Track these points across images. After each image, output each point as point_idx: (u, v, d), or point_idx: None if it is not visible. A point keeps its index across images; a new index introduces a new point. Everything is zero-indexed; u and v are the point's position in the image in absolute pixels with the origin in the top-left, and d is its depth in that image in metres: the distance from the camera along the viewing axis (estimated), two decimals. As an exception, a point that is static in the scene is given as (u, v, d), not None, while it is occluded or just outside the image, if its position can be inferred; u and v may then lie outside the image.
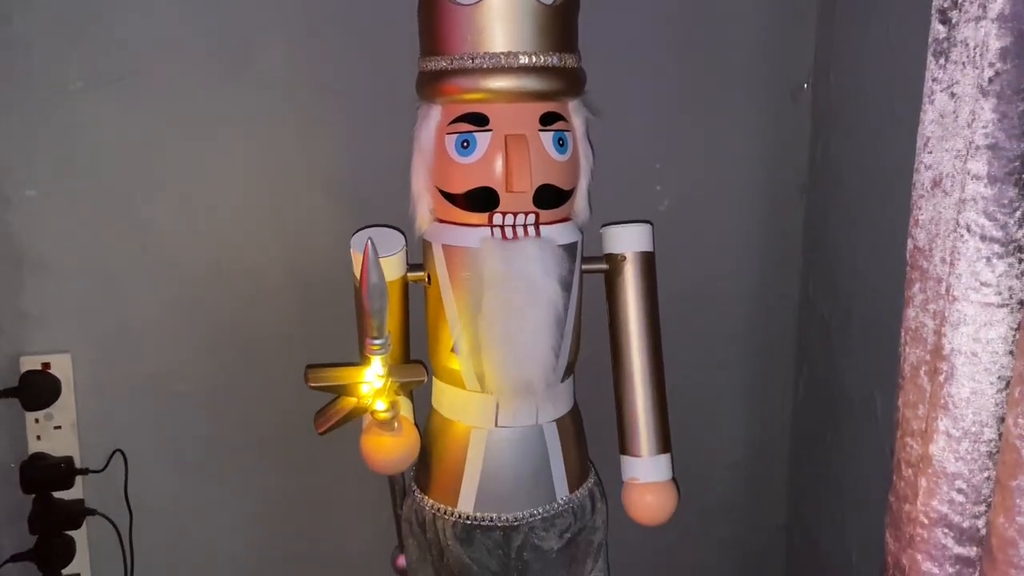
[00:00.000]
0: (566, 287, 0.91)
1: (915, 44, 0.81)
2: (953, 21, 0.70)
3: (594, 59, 0.99)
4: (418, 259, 1.00)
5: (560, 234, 0.94)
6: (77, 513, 1.14)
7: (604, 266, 1.03)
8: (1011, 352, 0.69)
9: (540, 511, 0.98)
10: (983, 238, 0.67)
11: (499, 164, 0.89)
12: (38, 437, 1.12)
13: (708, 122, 1.24)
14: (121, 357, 1.15)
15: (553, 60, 0.90)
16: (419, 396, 1.04)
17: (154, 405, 1.17)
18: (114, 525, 1.17)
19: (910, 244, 0.77)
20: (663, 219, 1.19)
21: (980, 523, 0.73)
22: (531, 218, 0.91)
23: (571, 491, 1.01)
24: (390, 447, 0.93)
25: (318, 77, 1.13)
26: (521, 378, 0.90)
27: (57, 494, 1.13)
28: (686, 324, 1.25)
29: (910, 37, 0.94)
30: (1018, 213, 0.66)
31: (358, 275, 0.78)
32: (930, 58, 0.72)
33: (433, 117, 0.93)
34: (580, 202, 0.98)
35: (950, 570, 0.75)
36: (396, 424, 0.89)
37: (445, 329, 0.95)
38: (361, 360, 0.84)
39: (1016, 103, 0.64)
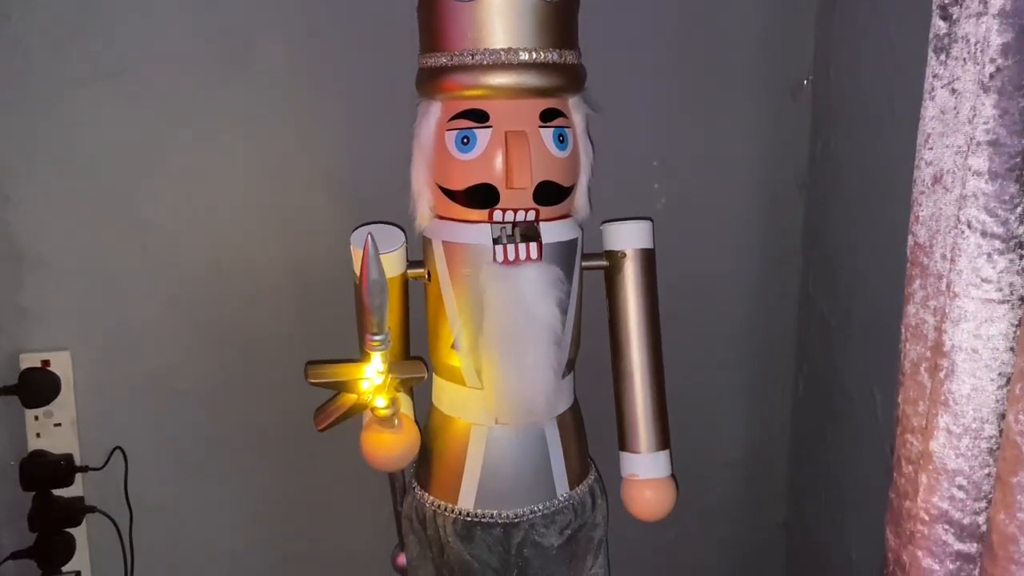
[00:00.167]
0: (563, 308, 0.92)
1: (915, 40, 0.81)
2: (954, 17, 0.70)
3: (594, 56, 0.98)
4: (418, 256, 1.00)
5: (560, 231, 0.94)
6: (77, 511, 1.14)
7: (604, 263, 1.03)
8: (1012, 348, 0.69)
9: (540, 508, 0.98)
10: (984, 234, 0.67)
11: (499, 160, 0.89)
12: (38, 434, 1.12)
13: (708, 119, 1.24)
14: (121, 355, 1.15)
15: (553, 56, 0.90)
16: (419, 393, 1.04)
17: (154, 403, 1.17)
18: (114, 523, 1.17)
19: (911, 240, 0.77)
20: (663, 216, 1.19)
21: (981, 519, 0.73)
22: (531, 215, 0.91)
23: (571, 488, 1.01)
24: (390, 444, 0.93)
25: (318, 75, 1.13)
26: (522, 400, 0.91)
27: (57, 492, 1.13)
28: (686, 321, 1.25)
29: (910, 33, 0.94)
30: (1019, 209, 0.66)
31: (358, 271, 0.78)
32: (931, 54, 0.72)
33: (433, 113, 0.93)
34: (580, 199, 0.98)
35: (951, 566, 0.75)
36: (396, 421, 0.89)
37: (445, 326, 0.95)
38: (361, 356, 0.84)
39: (1017, 99, 0.64)
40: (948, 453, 0.72)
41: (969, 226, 0.68)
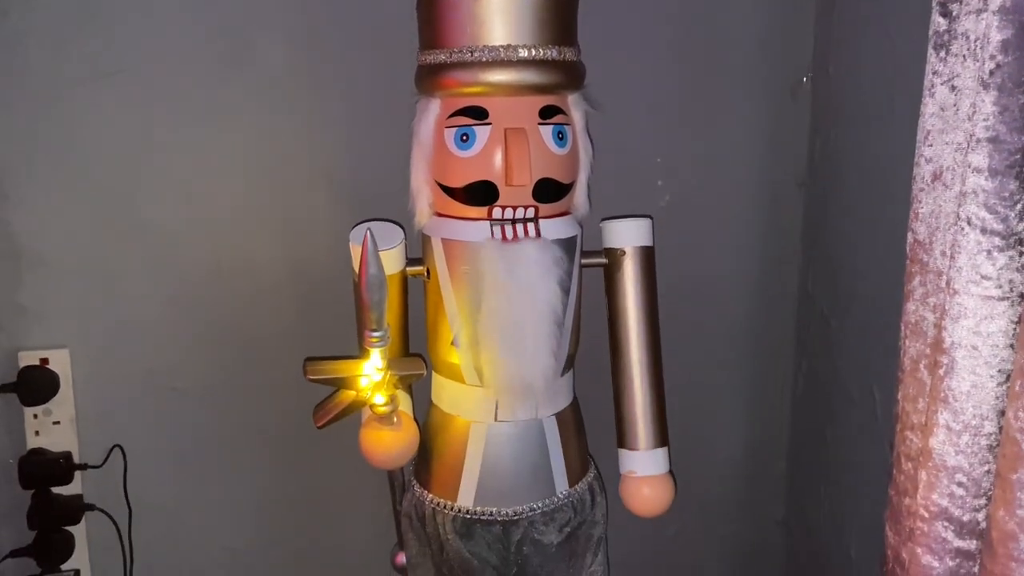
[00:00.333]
0: (565, 289, 0.92)
1: (915, 37, 0.81)
2: (954, 14, 0.69)
3: (594, 54, 0.98)
4: (418, 254, 1.00)
5: (559, 228, 0.94)
6: (76, 509, 1.14)
7: (603, 260, 1.03)
8: (1011, 345, 0.69)
9: (540, 505, 0.99)
10: (984, 231, 0.67)
11: (498, 158, 0.89)
12: (36, 433, 1.12)
13: (706, 117, 1.24)
14: (120, 353, 1.15)
15: (552, 53, 0.90)
16: (418, 391, 1.04)
17: (153, 401, 1.17)
18: (113, 521, 1.17)
19: (910, 238, 0.77)
20: (662, 214, 1.19)
21: (980, 516, 0.73)
22: (531, 212, 0.91)
23: (571, 485, 1.01)
24: (389, 441, 0.93)
25: (317, 74, 1.13)
26: (522, 381, 0.91)
27: (56, 490, 1.13)
28: (685, 320, 1.25)
29: (910, 30, 0.93)
30: (1019, 206, 0.66)
31: (357, 268, 0.78)
32: (931, 51, 0.72)
33: (432, 111, 0.93)
34: (580, 196, 0.98)
35: (950, 564, 0.75)
36: (395, 418, 0.89)
37: (444, 323, 0.95)
38: (360, 353, 0.84)
39: (1017, 96, 0.64)
40: (948, 450, 0.72)
41: (969, 223, 0.68)
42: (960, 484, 0.72)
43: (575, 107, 0.95)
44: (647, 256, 1.03)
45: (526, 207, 0.91)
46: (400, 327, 1.00)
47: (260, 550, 1.24)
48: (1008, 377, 0.69)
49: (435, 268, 0.95)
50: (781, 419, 1.37)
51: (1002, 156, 0.65)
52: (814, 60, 1.23)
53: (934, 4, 0.71)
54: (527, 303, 0.89)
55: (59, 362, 1.12)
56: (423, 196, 0.96)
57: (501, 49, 0.88)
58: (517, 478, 0.98)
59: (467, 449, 0.97)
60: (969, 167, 0.67)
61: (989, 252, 0.67)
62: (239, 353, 1.18)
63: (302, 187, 1.15)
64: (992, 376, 0.69)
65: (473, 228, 0.92)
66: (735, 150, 1.26)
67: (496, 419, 0.96)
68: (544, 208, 0.92)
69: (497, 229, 0.90)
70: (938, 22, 0.71)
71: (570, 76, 0.93)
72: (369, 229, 0.75)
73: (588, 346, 1.03)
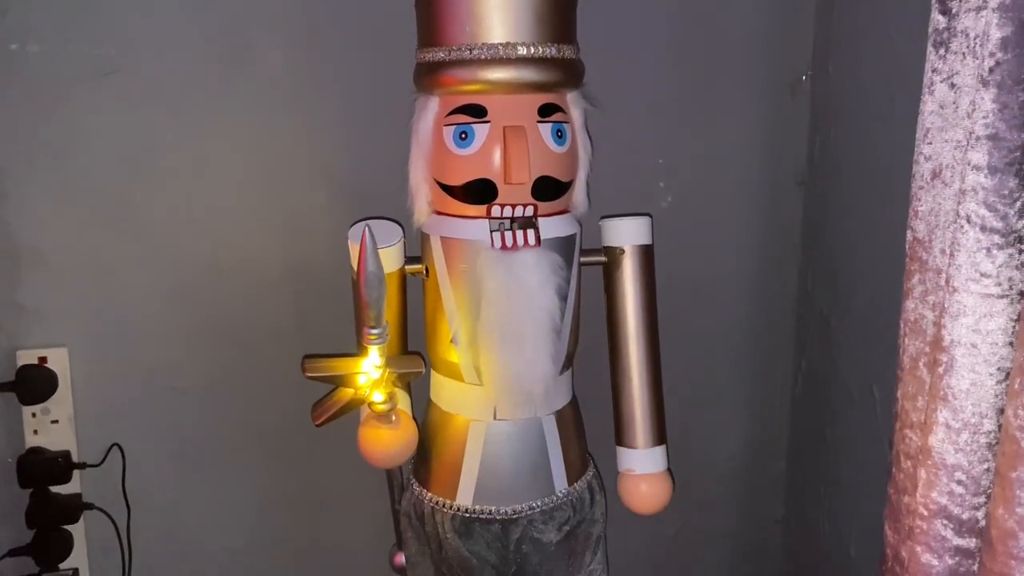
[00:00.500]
0: (563, 296, 0.92)
1: (915, 35, 0.81)
2: (953, 11, 0.69)
3: (593, 52, 0.98)
4: (416, 252, 0.99)
5: (558, 226, 0.94)
6: (75, 507, 1.14)
7: (603, 259, 1.03)
8: (1011, 343, 0.68)
9: (539, 504, 0.98)
10: (983, 229, 0.67)
11: (497, 156, 0.89)
12: (35, 432, 1.12)
13: (706, 116, 1.24)
14: (118, 351, 1.14)
15: (551, 51, 0.90)
16: (417, 390, 1.04)
17: (152, 400, 1.17)
18: (112, 519, 1.16)
19: (909, 235, 0.77)
20: (661, 213, 1.19)
21: (980, 514, 0.73)
22: (530, 210, 0.91)
23: (570, 484, 1.01)
24: (388, 440, 0.93)
25: (317, 73, 1.13)
26: (521, 387, 0.91)
27: (54, 489, 1.13)
28: (684, 319, 1.25)
29: (910, 28, 0.93)
30: (1018, 203, 0.66)
31: (355, 265, 0.78)
32: (930, 48, 0.72)
33: (431, 109, 0.92)
34: (579, 194, 0.98)
35: (949, 562, 0.75)
36: (394, 416, 0.88)
37: (443, 322, 0.95)
38: (359, 351, 0.83)
39: (1017, 93, 0.64)
40: (947, 448, 0.72)
41: (968, 221, 0.67)
42: (959, 482, 0.72)
43: (574, 105, 0.95)
44: (646, 254, 1.02)
45: (525, 205, 0.90)
46: (399, 325, 0.99)
47: (259, 549, 1.24)
48: (1007, 375, 0.69)
49: (434, 266, 0.95)
50: (781, 418, 1.37)
51: (1001, 154, 0.65)
52: (814, 59, 1.23)
53: (933, 2, 0.71)
54: (525, 311, 0.89)
55: (58, 361, 1.11)
56: (422, 194, 0.96)
57: (500, 47, 0.88)
58: (516, 477, 0.98)
59: (466, 448, 0.97)
60: (968, 165, 0.67)
61: (988, 250, 0.67)
62: (238, 352, 1.17)
63: (301, 186, 1.15)
64: (991, 374, 0.69)
65: (472, 226, 0.91)
66: (734, 149, 1.26)
67: (495, 417, 0.96)
68: (543, 206, 0.92)
69: (497, 237, 0.90)
70: (937, 20, 0.71)
71: (569, 74, 0.93)
72: (368, 226, 0.75)
73: (588, 345, 1.03)
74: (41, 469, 1.11)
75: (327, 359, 0.83)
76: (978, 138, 0.66)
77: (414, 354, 0.95)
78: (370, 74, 1.13)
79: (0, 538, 1.11)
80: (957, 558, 0.74)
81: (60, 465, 1.12)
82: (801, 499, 1.34)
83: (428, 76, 0.92)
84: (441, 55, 0.90)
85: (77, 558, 1.16)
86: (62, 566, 1.15)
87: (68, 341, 1.12)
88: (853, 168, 1.13)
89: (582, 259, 0.99)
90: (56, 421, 1.12)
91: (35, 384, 1.10)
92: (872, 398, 1.09)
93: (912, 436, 0.78)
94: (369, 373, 0.82)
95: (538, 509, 0.98)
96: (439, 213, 0.96)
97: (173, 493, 1.20)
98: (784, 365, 1.35)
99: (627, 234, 1.02)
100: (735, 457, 1.37)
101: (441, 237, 0.93)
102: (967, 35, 0.68)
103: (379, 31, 1.11)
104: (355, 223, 0.96)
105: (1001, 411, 0.69)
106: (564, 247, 0.94)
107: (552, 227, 0.93)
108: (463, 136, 0.90)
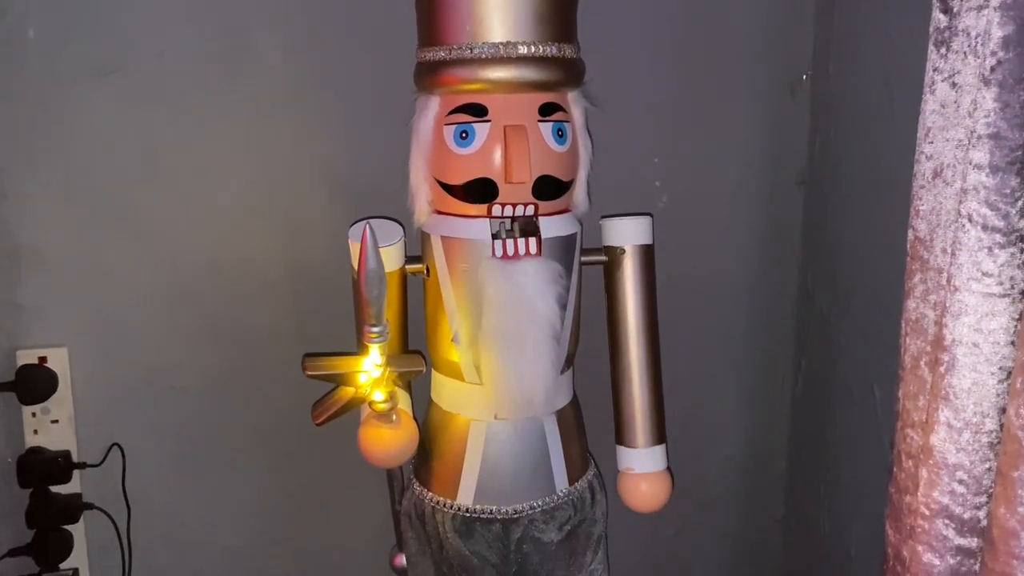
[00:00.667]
0: (563, 304, 0.92)
1: (916, 34, 0.81)
2: (954, 10, 0.69)
3: (593, 52, 0.98)
4: (417, 251, 0.99)
5: (559, 225, 0.94)
6: (75, 507, 1.14)
7: (603, 258, 1.03)
8: (1012, 342, 0.68)
9: (540, 503, 0.98)
10: (984, 228, 0.67)
11: (498, 155, 0.89)
12: (35, 431, 1.12)
13: (706, 115, 1.24)
14: (118, 351, 1.14)
15: (552, 50, 0.90)
16: (418, 390, 1.04)
17: (152, 399, 1.16)
18: (112, 519, 1.16)
19: (911, 235, 0.77)
20: (662, 212, 1.19)
21: (981, 514, 0.73)
22: (530, 209, 0.91)
23: (571, 483, 1.01)
24: (388, 439, 0.93)
25: (317, 72, 1.13)
26: (521, 392, 0.91)
27: (54, 488, 1.13)
28: (685, 318, 1.25)
29: (910, 27, 0.93)
30: (1020, 203, 0.66)
31: (356, 263, 0.78)
32: (931, 47, 0.72)
33: (431, 108, 0.92)
34: (579, 193, 0.98)
35: (951, 561, 0.75)
36: (394, 416, 0.88)
37: (444, 321, 0.95)
38: (359, 350, 0.83)
39: (1018, 92, 0.64)
40: (948, 448, 0.72)
41: (970, 220, 0.67)
42: (961, 482, 0.72)
43: (575, 104, 0.95)
44: (647, 254, 1.02)
45: (526, 204, 0.90)
46: (399, 324, 0.99)
47: (259, 549, 1.24)
48: (1009, 374, 0.69)
49: (434, 266, 0.95)
50: (781, 418, 1.37)
51: (1003, 152, 0.65)
52: (814, 58, 1.23)
53: (934, 1, 0.71)
54: (526, 321, 0.89)
55: (57, 361, 1.11)
56: (422, 194, 0.96)
57: (500, 46, 0.87)
58: (517, 476, 0.97)
59: (467, 447, 0.97)
60: (970, 164, 0.67)
61: (990, 249, 0.67)
62: (238, 351, 1.17)
63: (301, 185, 1.15)
64: (993, 373, 0.69)
65: (473, 226, 0.91)
66: (735, 148, 1.26)
67: (496, 417, 0.96)
68: (544, 206, 0.92)
69: (498, 245, 0.90)
70: (938, 18, 0.71)
71: (570, 73, 0.93)
72: (368, 224, 0.75)
73: (588, 345, 1.03)
74: (41, 469, 1.11)
75: (327, 358, 0.83)
76: (979, 137, 0.66)
77: (415, 353, 0.95)
78: (370, 74, 1.13)
79: (0, 538, 1.11)
80: (959, 558, 0.74)
81: (60, 465, 1.12)
82: (801, 499, 1.34)
83: (428, 75, 0.92)
84: (441, 54, 0.89)
85: (77, 558, 1.16)
86: (62, 566, 1.14)
87: (68, 341, 1.12)
88: (853, 168, 1.13)
89: (582, 259, 0.99)
90: (56, 421, 1.12)
91: (35, 384, 1.10)
92: (873, 398, 1.09)
93: (913, 435, 0.78)
94: (370, 372, 0.82)
95: (539, 509, 0.98)
96: (440, 212, 0.96)
97: (173, 493, 1.20)
98: (784, 365, 1.35)
99: (627, 234, 1.02)
100: (735, 457, 1.37)
101: (442, 236, 0.93)
102: (968, 34, 0.68)
103: (379, 31, 1.11)
104: (355, 222, 0.96)
105: (1003, 410, 0.69)
106: (564, 248, 0.94)
107: (553, 226, 0.93)
108: (464, 135, 0.90)
